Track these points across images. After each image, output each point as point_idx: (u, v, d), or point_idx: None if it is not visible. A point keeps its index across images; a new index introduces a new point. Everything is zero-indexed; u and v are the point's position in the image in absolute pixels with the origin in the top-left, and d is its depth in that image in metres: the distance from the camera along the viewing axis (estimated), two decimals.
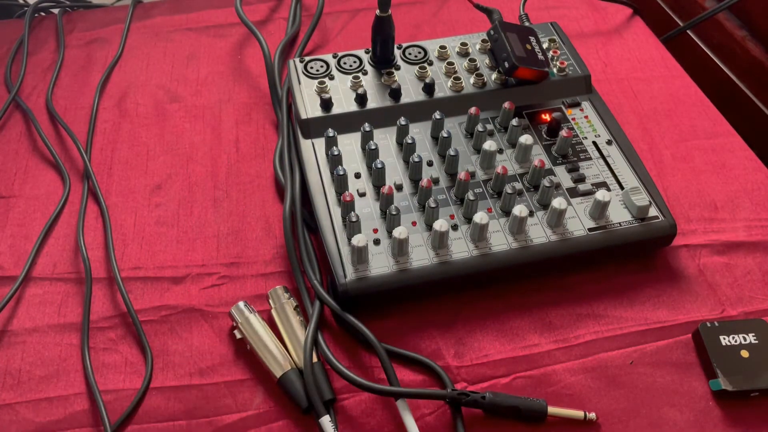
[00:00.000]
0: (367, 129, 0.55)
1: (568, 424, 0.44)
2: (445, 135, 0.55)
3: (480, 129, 0.56)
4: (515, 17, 0.70)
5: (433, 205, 0.50)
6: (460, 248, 0.50)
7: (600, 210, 0.51)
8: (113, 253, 0.54)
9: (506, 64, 0.58)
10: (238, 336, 0.48)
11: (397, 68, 0.62)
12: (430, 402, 0.45)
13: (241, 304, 0.49)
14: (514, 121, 0.56)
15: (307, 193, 0.54)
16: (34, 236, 0.55)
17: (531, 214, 0.51)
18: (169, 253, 0.54)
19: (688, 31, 0.79)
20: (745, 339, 0.47)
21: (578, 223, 0.52)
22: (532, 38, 0.62)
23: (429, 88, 0.59)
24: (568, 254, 0.50)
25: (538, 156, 0.56)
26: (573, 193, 0.54)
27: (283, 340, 0.48)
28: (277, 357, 0.46)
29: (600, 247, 0.51)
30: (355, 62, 0.62)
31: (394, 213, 0.49)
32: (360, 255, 0.48)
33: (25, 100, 0.67)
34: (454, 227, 0.51)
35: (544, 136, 0.58)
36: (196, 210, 0.58)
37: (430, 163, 0.55)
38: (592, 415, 0.44)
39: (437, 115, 0.56)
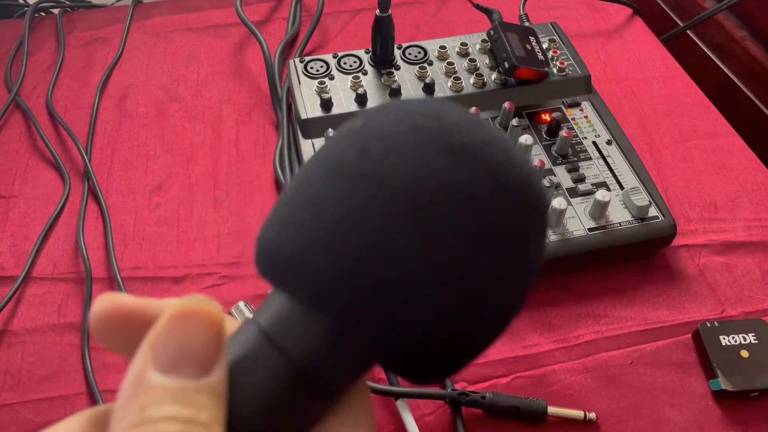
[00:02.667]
0: None
1: (568, 424, 0.44)
2: None
3: None
4: (515, 17, 0.70)
5: None
6: None
7: (600, 210, 0.51)
8: (113, 253, 0.54)
9: (506, 64, 0.58)
10: None
11: (397, 68, 0.62)
12: (430, 402, 0.45)
13: (241, 304, 0.49)
14: (514, 121, 0.56)
15: None
16: (34, 236, 0.55)
17: None
18: (169, 253, 0.54)
19: (688, 32, 0.79)
20: (745, 339, 0.47)
21: (578, 223, 0.52)
22: (532, 38, 0.62)
23: (429, 88, 0.59)
24: (568, 254, 0.50)
25: (538, 156, 0.56)
26: (573, 193, 0.54)
27: None
28: None
29: (600, 247, 0.51)
30: (355, 62, 0.62)
31: None
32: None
33: (25, 100, 0.67)
34: None
35: (544, 136, 0.58)
36: (196, 210, 0.58)
37: None
38: (592, 415, 0.44)
39: None
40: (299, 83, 0.60)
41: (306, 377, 0.18)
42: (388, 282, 0.17)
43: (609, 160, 0.56)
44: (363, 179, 0.17)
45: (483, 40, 0.64)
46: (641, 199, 0.52)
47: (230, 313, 0.49)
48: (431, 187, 0.17)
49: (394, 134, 0.18)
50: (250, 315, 0.48)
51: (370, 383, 0.44)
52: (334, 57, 0.62)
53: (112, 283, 0.52)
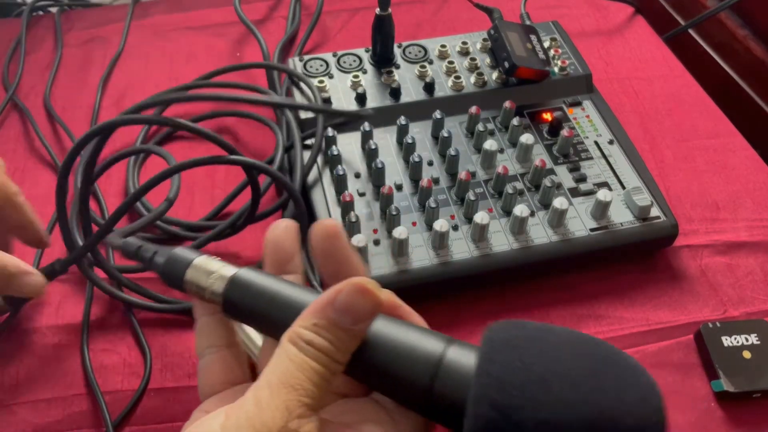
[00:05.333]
0: (367, 128, 0.55)
1: None
2: (446, 134, 0.55)
3: (480, 128, 0.55)
4: (516, 16, 0.70)
5: (433, 205, 0.50)
6: (461, 248, 0.49)
7: (601, 210, 0.51)
8: (112, 253, 0.53)
9: (506, 64, 0.58)
10: None
11: (397, 67, 0.61)
12: None
13: None
14: (515, 121, 0.56)
15: (306, 193, 0.54)
16: None
17: (532, 214, 0.51)
18: None
19: (690, 30, 0.78)
20: (747, 340, 0.47)
21: (579, 223, 0.51)
22: (533, 37, 0.61)
23: (429, 88, 0.59)
24: (570, 254, 0.50)
25: (539, 156, 0.56)
26: (574, 192, 0.53)
27: None
28: None
29: (601, 248, 0.51)
30: (354, 61, 0.62)
31: (394, 213, 0.49)
32: (360, 255, 0.48)
33: (23, 99, 0.67)
34: (455, 227, 0.50)
35: (545, 135, 0.57)
36: (195, 210, 0.57)
37: (430, 163, 0.55)
38: None
39: (437, 114, 0.56)
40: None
41: (424, 396, 0.25)
42: None
43: (610, 159, 0.56)
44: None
45: (484, 39, 0.64)
46: (643, 199, 0.52)
47: None
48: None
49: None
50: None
51: None
52: (334, 56, 0.62)
53: (111, 284, 0.52)
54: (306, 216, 0.49)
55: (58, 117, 0.64)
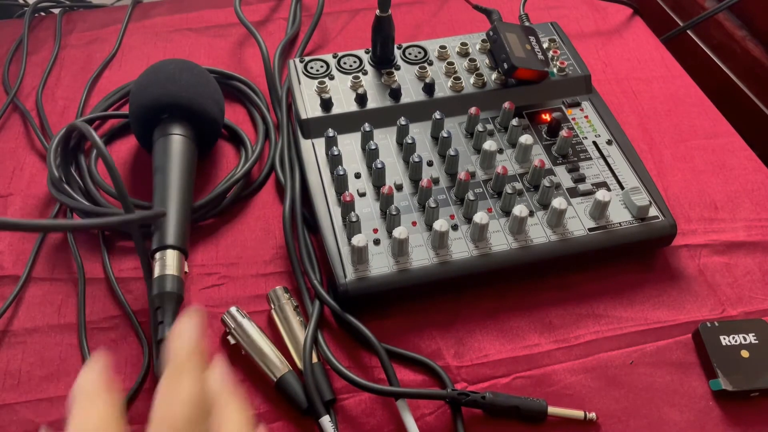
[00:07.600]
0: (367, 129, 0.55)
1: (568, 424, 0.44)
2: (445, 135, 0.55)
3: (480, 129, 0.56)
4: (515, 17, 0.70)
5: (433, 205, 0.50)
6: (460, 248, 0.50)
7: (600, 210, 0.51)
8: (107, 254, 0.54)
9: (505, 65, 0.58)
10: (232, 342, 0.47)
11: (397, 68, 0.62)
12: (430, 402, 0.45)
13: (233, 309, 0.48)
14: (514, 121, 0.56)
15: (307, 193, 0.54)
16: (33, 236, 0.55)
17: (531, 214, 0.51)
18: None
19: (688, 31, 0.79)
20: (745, 339, 0.47)
21: (578, 223, 0.52)
22: (532, 38, 0.62)
23: (429, 88, 0.59)
24: (568, 254, 0.50)
25: (538, 156, 0.56)
26: (573, 193, 0.54)
27: (283, 341, 0.48)
28: (274, 360, 0.46)
29: (600, 247, 0.51)
30: (355, 62, 0.62)
31: (394, 213, 0.49)
32: (360, 255, 0.48)
33: (24, 100, 0.67)
34: (454, 227, 0.51)
35: (544, 136, 0.58)
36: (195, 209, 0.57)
37: (430, 163, 0.55)
38: (592, 415, 0.44)
39: (437, 115, 0.56)
40: (299, 83, 0.60)
41: None
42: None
43: (609, 160, 0.56)
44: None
45: (483, 40, 0.64)
46: (641, 199, 0.52)
47: (222, 320, 0.48)
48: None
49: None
50: (242, 320, 0.48)
51: (370, 383, 0.44)
52: (334, 57, 0.62)
53: (109, 284, 0.52)
54: None
55: (45, 117, 0.65)
